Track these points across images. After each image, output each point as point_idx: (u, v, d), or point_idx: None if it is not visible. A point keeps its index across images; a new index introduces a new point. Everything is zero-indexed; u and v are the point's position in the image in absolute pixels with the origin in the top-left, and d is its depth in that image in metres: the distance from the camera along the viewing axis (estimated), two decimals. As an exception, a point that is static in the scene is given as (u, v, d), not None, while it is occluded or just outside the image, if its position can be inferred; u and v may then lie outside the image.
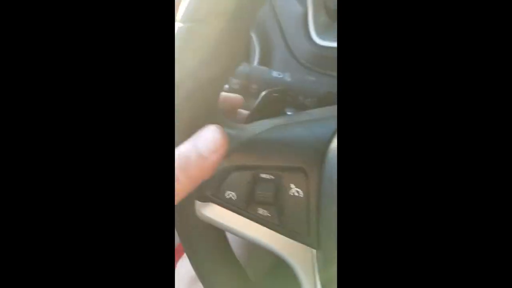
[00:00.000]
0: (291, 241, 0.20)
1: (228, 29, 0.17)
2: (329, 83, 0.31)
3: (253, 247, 0.31)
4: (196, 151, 0.18)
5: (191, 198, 0.22)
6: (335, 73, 0.36)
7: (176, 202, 0.18)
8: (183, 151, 0.18)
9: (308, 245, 0.20)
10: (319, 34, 0.36)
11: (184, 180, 0.17)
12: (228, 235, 0.25)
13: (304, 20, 0.37)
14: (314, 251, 0.20)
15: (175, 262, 0.37)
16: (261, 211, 0.20)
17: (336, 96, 0.29)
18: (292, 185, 0.19)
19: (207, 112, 0.20)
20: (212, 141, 0.18)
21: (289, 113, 0.28)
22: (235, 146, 0.20)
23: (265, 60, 0.39)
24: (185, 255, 0.34)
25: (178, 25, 0.17)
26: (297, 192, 0.19)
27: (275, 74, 0.28)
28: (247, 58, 0.40)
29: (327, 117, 0.21)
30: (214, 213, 0.22)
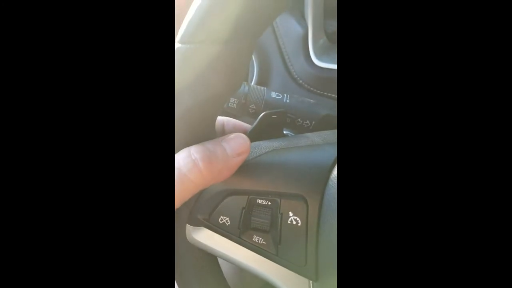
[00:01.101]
0: (287, 270, 0.19)
1: (228, 51, 0.16)
2: (328, 105, 0.31)
3: (244, 271, 0.30)
4: (222, 150, 0.18)
5: (182, 222, 0.21)
6: (334, 95, 0.36)
7: (191, 195, 0.18)
8: (211, 148, 0.18)
9: (304, 276, 0.19)
10: (318, 56, 0.36)
11: (206, 174, 0.18)
12: (219, 258, 0.24)
13: (304, 42, 0.37)
14: (311, 282, 0.19)
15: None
16: (256, 238, 0.19)
17: (334, 119, 0.29)
18: (290, 213, 0.18)
19: (204, 130, 0.19)
20: (239, 144, 0.19)
21: (285, 132, 0.28)
22: None
23: (264, 79, 0.39)
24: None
25: (177, 45, 0.17)
26: (295, 220, 0.18)
27: (273, 94, 0.28)
28: (246, 77, 0.40)
29: (327, 143, 0.20)
30: (206, 238, 0.20)
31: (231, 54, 0.16)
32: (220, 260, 0.24)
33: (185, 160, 0.17)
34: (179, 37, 0.17)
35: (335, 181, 0.18)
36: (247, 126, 0.26)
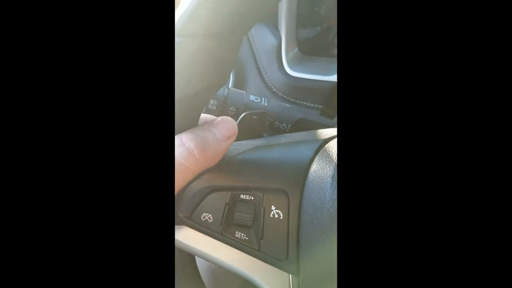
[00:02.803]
0: (267, 266, 0.19)
1: (216, 45, 0.17)
2: (302, 110, 0.32)
3: (220, 274, 0.30)
4: (213, 135, 0.19)
5: None
6: (305, 102, 0.38)
7: (188, 181, 0.19)
8: (200, 134, 0.19)
9: (286, 270, 0.19)
10: (291, 66, 0.38)
11: (201, 160, 0.18)
12: (197, 261, 0.24)
13: (278, 53, 0.38)
14: (291, 277, 0.19)
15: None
16: (238, 234, 0.19)
17: (308, 122, 0.30)
18: (273, 207, 0.19)
19: (189, 124, 0.19)
20: (227, 128, 0.19)
21: (265, 135, 0.29)
22: (214, 167, 0.20)
23: (240, 87, 0.40)
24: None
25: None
26: (277, 213, 0.19)
27: (252, 98, 0.29)
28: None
29: (306, 140, 0.21)
30: (186, 237, 0.20)
31: (219, 49, 0.17)
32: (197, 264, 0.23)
33: (179, 149, 0.18)
34: None
35: (314, 175, 0.19)
36: None
